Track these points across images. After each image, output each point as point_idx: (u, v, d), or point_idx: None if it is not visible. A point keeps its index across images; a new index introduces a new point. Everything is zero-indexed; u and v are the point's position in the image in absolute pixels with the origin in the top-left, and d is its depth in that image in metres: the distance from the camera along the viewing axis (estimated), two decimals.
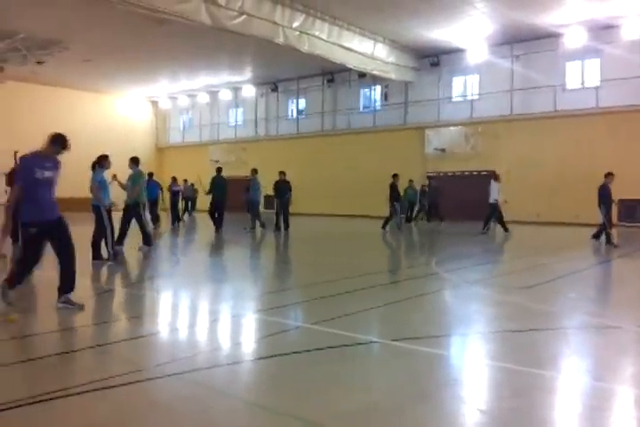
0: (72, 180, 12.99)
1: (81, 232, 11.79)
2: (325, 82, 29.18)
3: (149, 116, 38.04)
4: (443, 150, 24.79)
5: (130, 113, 36.71)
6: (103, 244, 9.45)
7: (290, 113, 31.98)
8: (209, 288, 7.51)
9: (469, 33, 22.41)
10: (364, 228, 20.29)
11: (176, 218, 20.54)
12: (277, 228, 17.12)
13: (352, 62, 21.98)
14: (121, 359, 4.26)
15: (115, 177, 10.88)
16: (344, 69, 25.39)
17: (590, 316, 5.81)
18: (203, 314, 5.78)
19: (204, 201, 20.94)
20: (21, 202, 5.47)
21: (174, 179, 22.64)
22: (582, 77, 22.58)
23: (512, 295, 6.88)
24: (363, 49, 21.97)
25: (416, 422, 3.09)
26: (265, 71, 29.22)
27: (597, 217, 13.60)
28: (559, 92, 22.48)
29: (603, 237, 13.24)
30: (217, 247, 13.56)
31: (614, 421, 3.18)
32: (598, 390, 3.68)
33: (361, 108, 28.73)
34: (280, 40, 18.36)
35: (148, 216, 13.28)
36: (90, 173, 9.68)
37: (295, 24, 18.68)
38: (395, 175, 18.79)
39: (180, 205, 22.47)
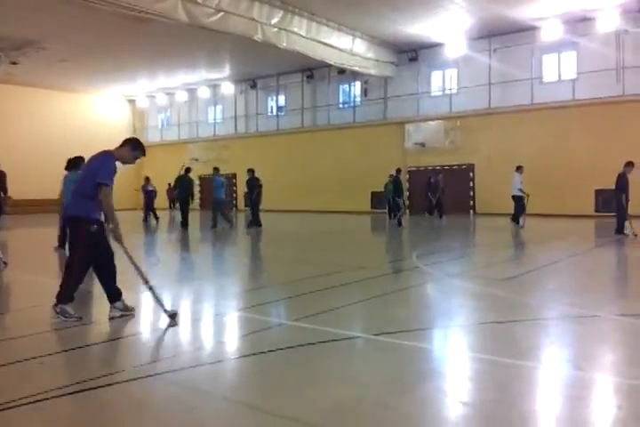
0: (50, 181, 12.85)
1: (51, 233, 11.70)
2: (305, 78, 29.12)
3: (127, 114, 37.70)
4: (422, 145, 24.90)
5: (108, 112, 36.32)
6: None
7: (269, 110, 31.88)
8: (182, 288, 7.46)
9: (448, 27, 22.50)
10: (346, 223, 20.34)
11: (149, 216, 21.04)
12: (248, 225, 17.20)
13: (331, 58, 21.96)
14: (101, 361, 4.23)
15: None
16: (323, 65, 25.39)
17: (569, 306, 5.88)
18: (184, 313, 5.76)
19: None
20: (87, 199, 5.25)
21: (147, 179, 22.57)
22: (559, 70, 22.81)
23: (493, 287, 6.94)
24: (342, 45, 21.96)
25: (400, 415, 3.10)
26: (244, 68, 29.08)
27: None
28: (536, 85, 22.69)
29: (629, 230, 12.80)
30: (182, 245, 13.59)
31: (595, 409, 3.22)
32: (579, 380, 3.73)
33: (340, 104, 28.76)
34: (258, 37, 18.27)
35: None
36: (65, 173, 9.59)
37: (273, 21, 18.60)
38: (398, 170, 18.74)
39: (156, 204, 22.45)
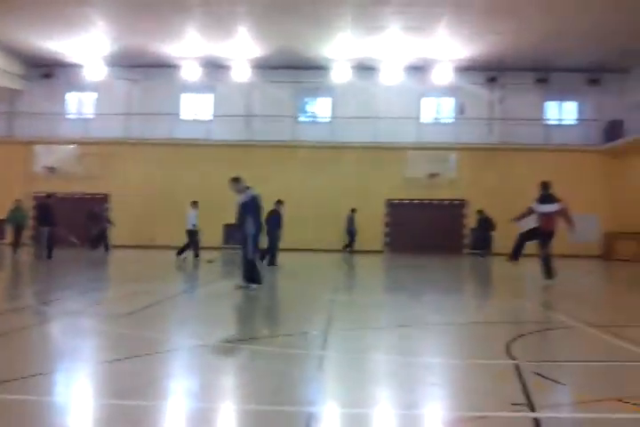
0: None
1: None
2: None
3: None
4: (53, 169, 22.95)
5: None
6: None
7: None
8: None
9: (87, 49, 21.54)
10: None
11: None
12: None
13: None
14: None
15: None
16: None
17: (189, 337, 5.80)
18: None
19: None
20: None
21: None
22: (197, 109, 23.96)
23: (113, 324, 6.45)
24: None
25: None
26: None
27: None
28: (175, 121, 23.33)
29: None
30: None
31: None
32: (205, 412, 3.55)
33: None
34: None
35: None
36: None
37: None
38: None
39: None
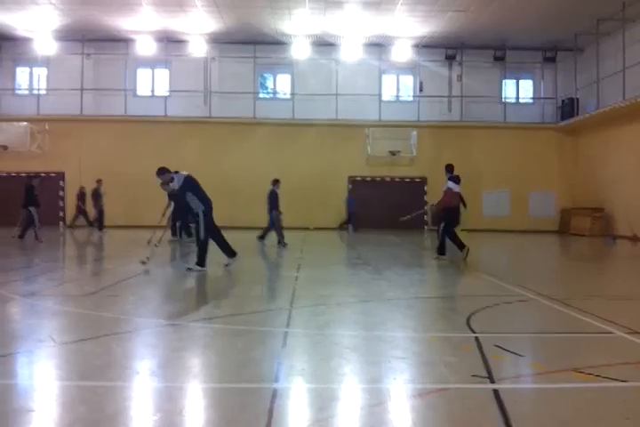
0: None
1: None
2: None
3: None
4: (4, 147, 22.14)
5: None
6: None
7: None
8: None
9: (37, 22, 20.64)
10: None
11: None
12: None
13: None
14: None
15: None
16: None
17: (144, 318, 5.73)
18: None
19: None
20: None
21: None
22: (153, 85, 23.37)
23: (71, 305, 6.32)
24: None
25: None
26: None
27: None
28: (130, 97, 22.72)
29: None
30: None
31: (193, 421, 3.01)
32: (169, 391, 3.51)
33: None
34: None
35: None
36: None
37: None
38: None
39: None
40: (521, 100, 24.34)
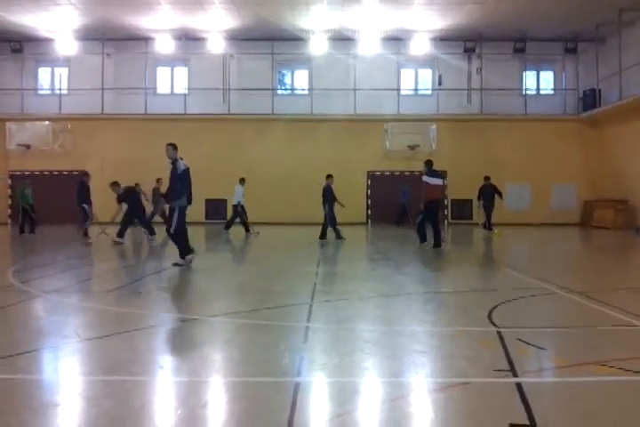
0: None
1: None
2: None
3: None
4: (27, 147, 22.49)
5: None
6: None
7: None
8: None
9: (57, 23, 20.91)
10: None
11: None
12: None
13: None
14: None
15: None
16: None
17: (168, 312, 5.79)
18: None
19: None
20: None
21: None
22: (172, 83, 23.53)
23: (94, 301, 6.42)
24: None
25: None
26: None
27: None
28: (150, 96, 22.90)
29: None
30: None
31: (216, 414, 3.05)
32: (192, 385, 3.55)
33: None
34: None
35: None
36: None
37: None
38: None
39: None
40: (542, 92, 24.04)
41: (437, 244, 12.15)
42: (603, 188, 21.81)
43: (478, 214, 18.68)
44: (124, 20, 20.50)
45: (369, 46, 22.39)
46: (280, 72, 24.10)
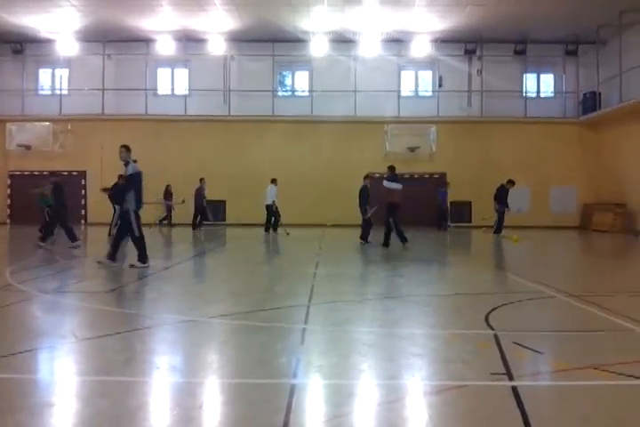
0: None
1: None
2: None
3: None
4: (28, 147, 22.50)
5: None
6: None
7: None
8: None
9: (58, 24, 20.92)
10: None
11: None
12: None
13: None
14: None
15: None
16: None
17: (167, 313, 5.80)
18: None
19: None
20: None
21: None
22: (172, 84, 23.56)
23: (92, 301, 6.42)
24: None
25: None
26: None
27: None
28: (150, 97, 22.92)
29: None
30: None
31: (212, 416, 3.05)
32: (189, 386, 3.56)
33: None
34: None
35: None
36: None
37: None
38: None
39: None
40: (542, 95, 24.05)
41: (386, 244, 12.97)
42: (602, 191, 21.81)
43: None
44: (125, 21, 20.51)
45: (369, 48, 22.40)
46: (280, 73, 24.11)
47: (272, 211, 18.01)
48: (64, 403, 3.26)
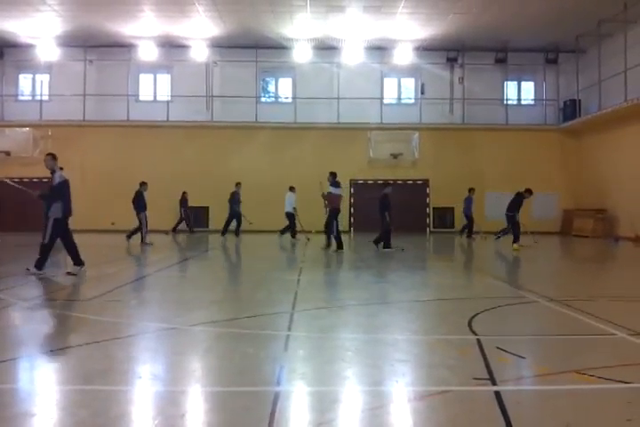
0: None
1: None
2: None
3: None
4: (7, 153, 22.23)
5: None
6: None
7: None
8: None
9: (39, 29, 20.75)
10: None
11: None
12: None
13: None
14: None
15: None
16: None
17: (147, 321, 5.74)
18: None
19: None
20: None
21: None
22: (155, 90, 23.45)
23: (73, 310, 6.34)
24: None
25: None
26: None
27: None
28: (132, 103, 22.79)
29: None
30: None
31: (194, 424, 3.02)
32: (171, 395, 3.51)
33: None
34: None
35: None
36: None
37: None
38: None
39: None
40: (523, 102, 24.34)
41: (339, 246, 13.74)
42: (582, 197, 22.08)
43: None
44: (107, 26, 20.40)
45: (353, 55, 22.51)
46: (264, 80, 24.12)
47: (293, 218, 18.38)
48: (45, 413, 3.20)
